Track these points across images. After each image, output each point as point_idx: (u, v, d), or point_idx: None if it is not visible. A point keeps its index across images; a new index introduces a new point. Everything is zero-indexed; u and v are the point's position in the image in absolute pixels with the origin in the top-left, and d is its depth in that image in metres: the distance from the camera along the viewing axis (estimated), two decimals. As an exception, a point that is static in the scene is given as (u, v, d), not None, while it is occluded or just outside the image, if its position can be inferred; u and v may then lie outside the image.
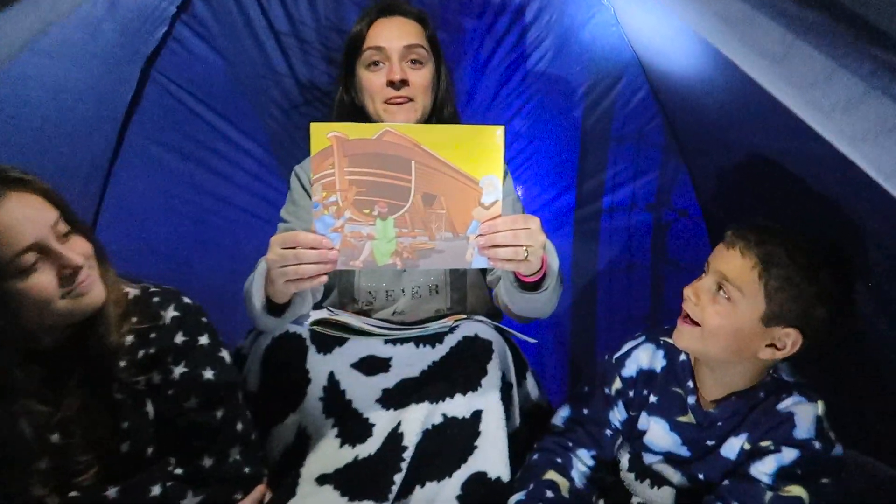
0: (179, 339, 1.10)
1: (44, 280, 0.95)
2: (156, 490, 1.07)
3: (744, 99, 1.23)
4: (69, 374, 1.04)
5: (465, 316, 1.37)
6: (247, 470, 1.14)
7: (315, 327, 1.22)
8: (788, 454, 1.06)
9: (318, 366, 1.25)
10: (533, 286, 1.18)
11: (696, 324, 1.08)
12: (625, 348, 1.27)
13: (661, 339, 1.23)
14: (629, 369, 1.24)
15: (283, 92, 1.73)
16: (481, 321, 1.33)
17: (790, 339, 1.04)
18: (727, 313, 1.05)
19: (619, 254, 1.90)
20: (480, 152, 0.99)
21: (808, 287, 1.01)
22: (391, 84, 1.32)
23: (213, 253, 1.83)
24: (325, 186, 1.01)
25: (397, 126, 1.00)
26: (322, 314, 1.29)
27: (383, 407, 1.23)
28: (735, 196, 1.67)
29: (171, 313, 1.11)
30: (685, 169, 1.82)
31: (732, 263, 1.05)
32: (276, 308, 1.19)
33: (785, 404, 1.09)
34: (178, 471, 1.10)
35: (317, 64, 1.70)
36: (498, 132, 0.99)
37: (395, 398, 1.24)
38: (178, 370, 1.09)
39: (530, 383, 1.41)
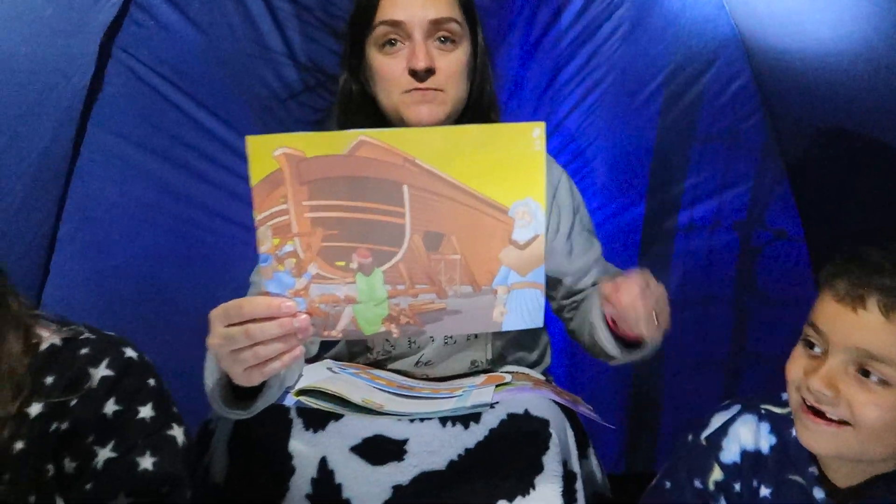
0: (110, 409, 0.91)
1: None
2: None
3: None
4: None
5: (508, 377, 1.16)
6: None
7: (302, 398, 1.00)
8: None
9: (306, 448, 1.03)
10: (634, 343, 1.06)
11: (841, 421, 0.88)
12: (716, 423, 1.07)
13: (762, 406, 1.04)
14: (730, 452, 1.05)
15: (278, 75, 1.50)
16: (533, 388, 1.10)
17: None
18: (889, 403, 0.84)
19: (695, 282, 1.71)
20: (509, 166, 0.75)
21: None
22: (413, 73, 1.09)
23: (197, 274, 1.63)
24: (275, 230, 0.76)
25: (378, 132, 0.74)
26: (315, 377, 1.07)
27: None
28: (854, 222, 1.47)
29: (101, 372, 0.91)
30: (787, 180, 1.61)
31: (874, 333, 0.85)
32: (243, 395, 0.95)
33: None
34: None
35: (321, 39, 1.47)
36: (535, 132, 0.74)
37: (411, 501, 1.01)
38: (104, 454, 0.91)
39: (593, 462, 1.21)
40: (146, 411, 0.94)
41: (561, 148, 1.58)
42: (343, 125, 1.15)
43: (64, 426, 0.89)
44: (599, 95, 1.56)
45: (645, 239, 1.68)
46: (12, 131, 1.32)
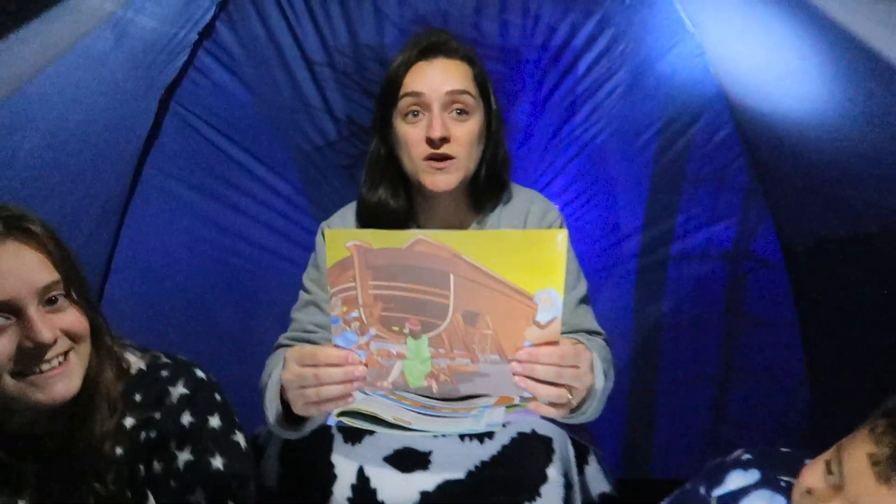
0: (186, 420, 1.00)
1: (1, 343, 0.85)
2: None
3: (874, 151, 1.12)
4: (46, 466, 0.94)
5: (518, 399, 1.21)
6: None
7: (342, 419, 1.08)
8: None
9: (346, 459, 1.13)
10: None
11: None
12: (730, 483, 1.02)
13: (781, 479, 0.99)
14: None
15: (316, 127, 1.62)
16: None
17: None
18: None
19: (687, 306, 1.78)
20: (536, 262, 0.85)
21: None
22: (430, 141, 1.16)
23: (237, 298, 1.74)
24: (345, 301, 0.88)
25: (432, 234, 0.86)
26: (350, 402, 1.17)
27: None
28: (829, 251, 1.54)
29: (179, 390, 1.01)
30: (770, 216, 1.69)
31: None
32: (294, 418, 1.05)
33: None
34: None
35: (355, 97, 1.58)
36: (559, 237, 0.84)
37: None
38: (183, 457, 1.00)
39: (591, 471, 1.28)
40: (215, 421, 1.01)
41: (566, 187, 1.67)
42: (371, 184, 1.24)
43: (152, 435, 0.98)
44: (600, 144, 1.64)
45: (641, 267, 1.75)
46: (87, 179, 1.47)
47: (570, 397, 0.89)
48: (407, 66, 1.18)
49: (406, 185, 1.23)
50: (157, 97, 1.53)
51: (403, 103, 1.18)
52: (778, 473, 1.01)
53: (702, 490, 1.05)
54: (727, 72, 1.51)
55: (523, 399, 1.02)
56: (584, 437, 1.29)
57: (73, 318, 0.90)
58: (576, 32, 1.51)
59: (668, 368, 1.81)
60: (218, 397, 1.05)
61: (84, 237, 1.54)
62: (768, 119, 1.46)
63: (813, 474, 0.87)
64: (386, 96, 1.21)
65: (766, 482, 1.01)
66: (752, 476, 1.02)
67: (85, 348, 0.93)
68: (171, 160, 1.63)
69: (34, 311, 0.86)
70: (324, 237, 1.28)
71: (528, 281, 0.86)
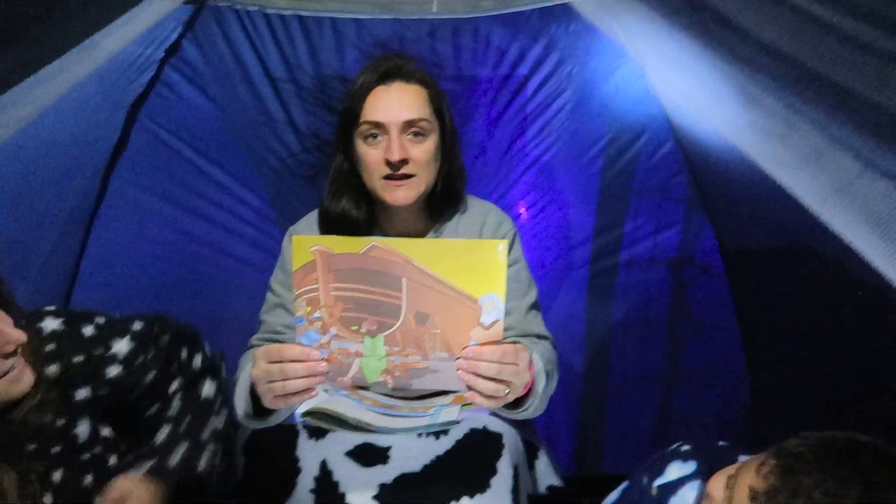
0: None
1: None
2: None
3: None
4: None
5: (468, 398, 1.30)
6: None
7: (307, 418, 1.12)
8: None
9: (310, 453, 1.20)
10: (511, 402, 1.08)
11: None
12: (670, 473, 1.05)
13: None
14: None
15: (280, 140, 1.66)
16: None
17: None
18: None
19: (635, 310, 1.86)
20: (479, 269, 0.92)
21: None
22: (388, 163, 1.20)
23: (205, 304, 1.77)
24: (309, 301, 0.95)
25: (385, 241, 0.93)
26: (316, 400, 1.19)
27: None
28: (765, 260, 1.62)
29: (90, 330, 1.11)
30: (710, 225, 1.77)
31: None
32: (262, 411, 1.11)
33: None
34: None
35: (316, 111, 1.62)
36: (500, 247, 0.91)
37: (393, 497, 1.17)
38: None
39: (541, 465, 1.35)
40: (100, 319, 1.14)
41: (519, 198, 1.73)
42: (333, 195, 1.27)
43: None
44: (550, 158, 1.70)
45: (592, 273, 1.82)
46: (54, 189, 1.49)
47: (508, 390, 0.96)
48: (366, 90, 1.20)
49: (367, 197, 1.27)
50: (125, 111, 1.57)
51: (363, 129, 1.20)
52: (713, 465, 1.02)
53: (644, 480, 1.09)
54: (666, 93, 1.57)
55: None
56: (532, 436, 1.35)
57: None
58: (524, 55, 1.57)
59: (618, 369, 1.88)
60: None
61: (51, 246, 1.57)
62: (703, 137, 1.53)
63: (716, 484, 0.90)
64: (346, 120, 1.23)
65: (701, 473, 1.04)
66: (690, 467, 1.05)
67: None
68: (138, 171, 1.65)
69: None
70: (289, 240, 1.33)
71: (472, 286, 0.92)
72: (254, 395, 1.07)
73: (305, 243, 0.92)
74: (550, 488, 1.33)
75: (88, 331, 1.10)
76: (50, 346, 1.06)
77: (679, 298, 1.84)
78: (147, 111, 1.60)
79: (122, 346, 1.12)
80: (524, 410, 1.10)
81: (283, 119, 1.63)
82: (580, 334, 1.87)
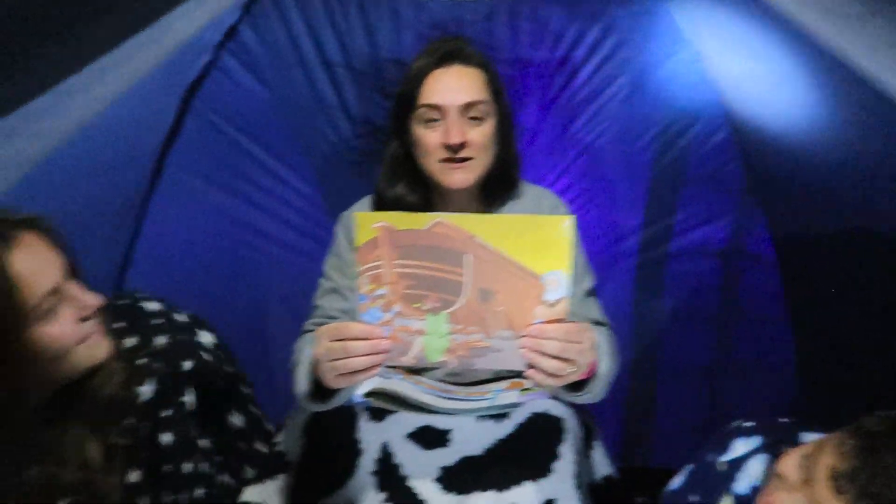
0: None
1: (64, 325, 0.91)
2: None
3: (860, 155, 1.15)
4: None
5: (526, 383, 1.23)
6: None
7: (369, 399, 1.14)
8: None
9: (371, 435, 1.19)
10: (573, 385, 1.08)
11: None
12: (736, 449, 1.08)
13: (781, 446, 1.02)
14: (742, 485, 1.05)
15: (332, 125, 1.66)
16: (549, 394, 1.24)
17: None
18: None
19: (684, 301, 1.83)
20: (545, 245, 0.91)
21: None
22: (447, 146, 1.20)
23: (250, 289, 1.78)
24: (372, 279, 0.94)
25: (450, 216, 0.92)
26: (375, 382, 1.19)
27: (443, 489, 1.16)
28: (820, 250, 1.60)
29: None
30: (763, 215, 1.74)
31: None
32: (323, 393, 1.11)
33: None
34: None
35: (370, 97, 1.62)
36: (565, 223, 0.90)
37: (456, 480, 1.17)
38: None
39: (597, 454, 1.34)
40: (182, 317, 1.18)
41: (569, 186, 1.72)
42: (388, 181, 1.28)
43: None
44: (602, 145, 1.68)
45: (640, 263, 1.79)
46: (112, 172, 1.50)
47: (572, 370, 0.94)
48: (424, 73, 1.20)
49: (422, 182, 1.27)
50: (180, 95, 1.57)
51: (421, 112, 1.20)
52: (778, 439, 1.07)
53: (709, 458, 1.10)
54: (723, 78, 1.56)
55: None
56: (589, 423, 1.35)
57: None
58: (581, 38, 1.56)
59: (667, 361, 1.85)
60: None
61: (107, 228, 1.59)
62: (761, 123, 1.51)
63: (789, 463, 0.90)
64: (403, 104, 1.23)
65: (766, 447, 1.06)
66: (755, 441, 1.07)
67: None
68: (191, 156, 1.66)
69: (73, 288, 0.94)
70: (345, 226, 1.34)
71: (537, 262, 0.91)
72: (314, 378, 1.07)
73: (368, 220, 0.91)
74: (607, 479, 1.32)
75: (182, 316, 1.14)
76: (158, 321, 1.10)
77: (729, 289, 1.81)
78: (202, 96, 1.60)
79: (207, 337, 1.16)
80: (587, 393, 1.09)
81: (336, 104, 1.63)
82: (627, 326, 1.84)
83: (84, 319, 0.94)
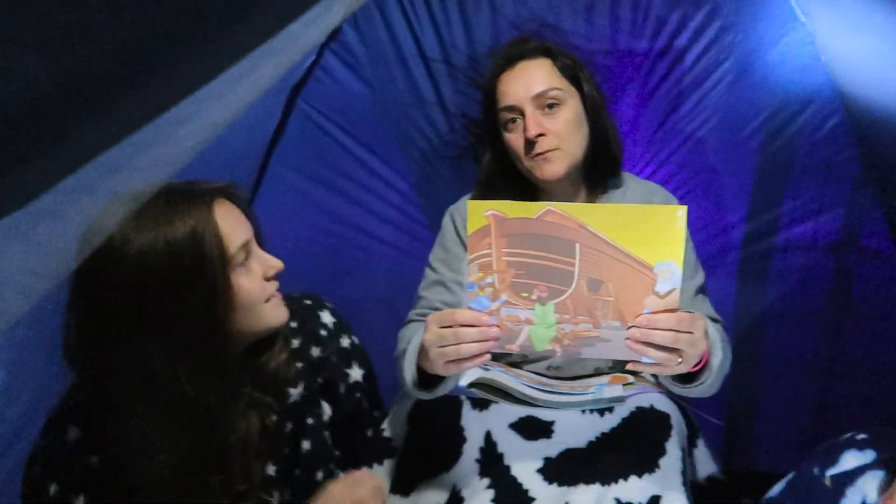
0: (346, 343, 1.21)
1: (254, 279, 0.97)
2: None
3: None
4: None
5: (632, 378, 1.27)
6: None
7: (473, 389, 1.17)
8: None
9: (474, 423, 1.20)
10: (685, 377, 1.07)
11: None
12: (845, 463, 1.00)
13: None
14: (852, 502, 0.97)
15: (429, 121, 1.68)
16: (654, 389, 1.24)
17: None
18: None
19: (791, 297, 1.74)
20: (656, 235, 0.90)
21: None
22: (528, 142, 1.24)
23: (350, 285, 1.82)
24: (481, 267, 0.95)
25: (561, 205, 0.92)
26: (478, 373, 1.23)
27: (545, 479, 1.15)
28: None
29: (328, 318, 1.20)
30: (879, 206, 1.64)
31: None
32: (430, 381, 1.13)
33: None
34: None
35: (467, 91, 1.63)
36: (679, 213, 0.89)
37: (559, 471, 1.16)
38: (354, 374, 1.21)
39: (700, 453, 1.31)
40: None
41: (669, 178, 1.68)
42: (483, 193, 1.34)
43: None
44: (704, 135, 1.63)
45: (744, 257, 1.73)
46: (225, 171, 1.49)
47: (681, 360, 0.94)
48: (494, 81, 1.28)
49: (523, 185, 1.31)
50: (286, 95, 1.64)
51: (502, 116, 1.27)
52: (895, 454, 0.99)
53: (815, 470, 1.03)
54: (838, 60, 1.48)
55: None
56: (692, 420, 1.32)
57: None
58: (685, 24, 1.52)
59: (771, 360, 1.78)
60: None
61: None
62: (879, 108, 1.43)
63: None
64: (488, 113, 1.31)
65: (882, 462, 0.98)
66: (868, 456, 1.00)
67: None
68: (294, 155, 1.73)
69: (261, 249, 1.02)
70: (452, 219, 1.37)
71: (648, 253, 0.90)
72: (419, 367, 1.10)
73: (480, 208, 0.92)
74: (710, 479, 1.28)
75: (346, 342, 1.23)
76: (323, 333, 1.17)
77: (841, 284, 1.72)
78: (305, 95, 1.66)
79: (357, 373, 1.23)
80: (699, 385, 1.07)
81: (433, 100, 1.66)
82: (729, 323, 1.74)
83: (269, 280, 1.01)
